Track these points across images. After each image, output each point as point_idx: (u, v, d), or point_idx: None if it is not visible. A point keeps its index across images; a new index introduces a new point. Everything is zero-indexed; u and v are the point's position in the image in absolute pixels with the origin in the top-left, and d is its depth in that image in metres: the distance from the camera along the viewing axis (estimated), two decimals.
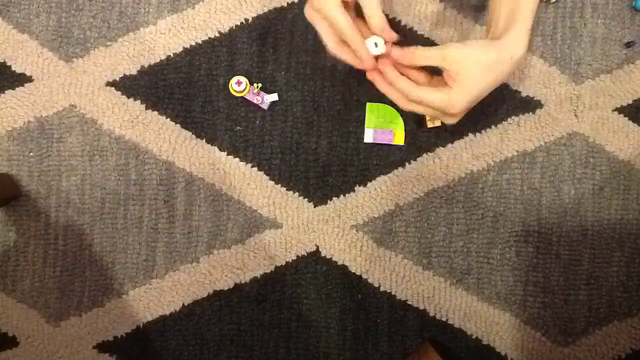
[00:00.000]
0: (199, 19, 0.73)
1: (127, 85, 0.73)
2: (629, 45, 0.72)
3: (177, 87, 0.73)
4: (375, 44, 0.58)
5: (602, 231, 0.72)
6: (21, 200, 0.73)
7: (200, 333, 0.73)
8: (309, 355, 0.73)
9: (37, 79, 0.73)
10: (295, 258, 0.73)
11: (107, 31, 0.73)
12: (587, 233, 0.72)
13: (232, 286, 0.73)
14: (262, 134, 0.73)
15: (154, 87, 0.73)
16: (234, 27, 0.73)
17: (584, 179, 0.72)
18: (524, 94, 0.72)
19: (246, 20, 0.73)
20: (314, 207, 0.73)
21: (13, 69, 0.73)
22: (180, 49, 0.73)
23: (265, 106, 0.72)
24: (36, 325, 0.73)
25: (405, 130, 0.72)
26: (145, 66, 0.73)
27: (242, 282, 0.73)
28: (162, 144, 0.73)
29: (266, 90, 0.73)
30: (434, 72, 0.61)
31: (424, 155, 0.72)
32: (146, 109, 0.73)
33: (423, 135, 0.72)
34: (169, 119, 0.73)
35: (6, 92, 0.73)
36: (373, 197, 0.73)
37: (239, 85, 0.72)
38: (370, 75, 0.62)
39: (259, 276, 0.73)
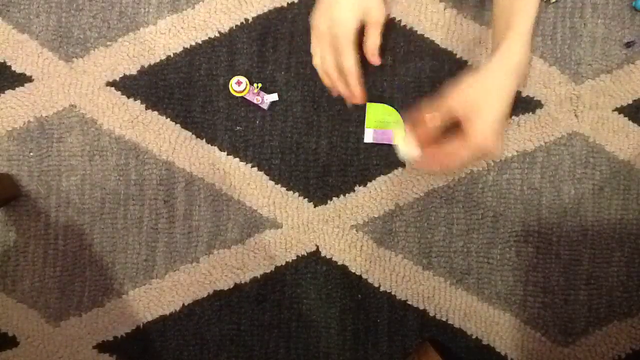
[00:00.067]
0: (199, 19, 0.73)
1: (127, 85, 0.73)
2: (629, 45, 0.72)
3: (177, 87, 0.73)
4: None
5: (602, 231, 0.72)
6: (21, 200, 0.73)
7: (200, 333, 0.73)
8: (309, 355, 0.73)
9: (37, 79, 0.73)
10: (295, 258, 0.73)
11: (107, 31, 0.73)
12: (587, 233, 0.72)
13: (232, 286, 0.73)
14: (262, 134, 0.73)
15: (154, 87, 0.73)
16: (234, 27, 0.73)
17: (584, 179, 0.72)
18: (524, 94, 0.72)
19: (246, 20, 0.73)
20: (314, 207, 0.73)
21: (13, 69, 0.73)
22: (180, 49, 0.73)
23: (265, 106, 0.72)
24: (36, 325, 0.73)
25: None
26: (145, 66, 0.73)
27: (242, 282, 0.73)
28: (162, 144, 0.73)
29: (266, 90, 0.73)
30: None
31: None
32: (146, 109, 0.73)
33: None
34: (169, 119, 0.73)
35: (6, 92, 0.73)
36: (373, 197, 0.73)
37: (239, 85, 0.72)
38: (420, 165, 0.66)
39: (259, 276, 0.73)
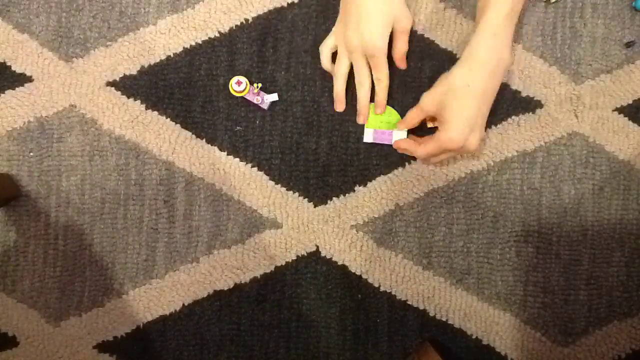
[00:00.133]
0: (199, 19, 0.73)
1: (127, 85, 0.73)
2: (629, 45, 0.72)
3: (177, 87, 0.73)
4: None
5: (602, 231, 0.72)
6: (21, 200, 0.73)
7: (200, 333, 0.73)
8: (309, 355, 0.73)
9: (37, 79, 0.73)
10: (295, 258, 0.73)
11: (107, 31, 0.73)
12: (587, 233, 0.72)
13: (232, 286, 0.73)
14: (262, 134, 0.73)
15: (154, 87, 0.73)
16: (234, 27, 0.73)
17: (584, 179, 0.72)
18: (524, 94, 0.72)
19: (246, 20, 0.73)
20: (314, 207, 0.73)
21: (13, 69, 0.73)
22: (180, 49, 0.73)
23: (265, 106, 0.72)
24: (36, 325, 0.73)
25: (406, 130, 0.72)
26: (145, 66, 0.73)
27: (242, 282, 0.73)
28: (162, 144, 0.73)
29: (266, 90, 0.73)
30: None
31: None
32: (146, 109, 0.73)
33: (423, 135, 0.72)
34: (169, 119, 0.73)
35: (6, 92, 0.73)
36: (373, 197, 0.73)
37: (239, 85, 0.72)
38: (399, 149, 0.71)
39: (259, 276, 0.73)
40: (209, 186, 0.73)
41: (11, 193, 0.72)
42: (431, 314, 0.73)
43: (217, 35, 0.73)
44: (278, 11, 0.73)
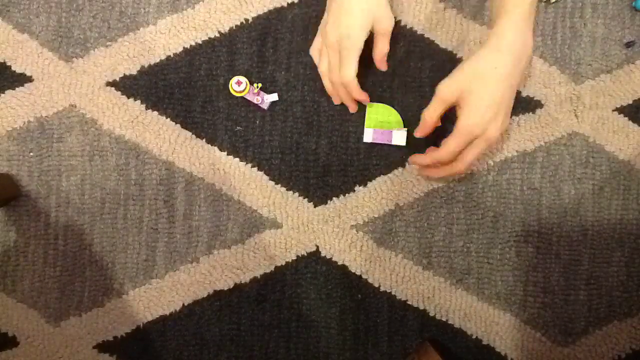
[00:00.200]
0: (199, 19, 0.73)
1: (127, 85, 0.73)
2: (629, 45, 0.72)
3: (177, 87, 0.73)
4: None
5: (602, 231, 0.72)
6: (21, 200, 0.73)
7: (200, 333, 0.73)
8: (309, 355, 0.73)
9: (37, 79, 0.73)
10: (295, 258, 0.73)
11: (107, 31, 0.73)
12: (587, 233, 0.72)
13: (232, 286, 0.73)
14: (262, 134, 0.73)
15: (154, 87, 0.73)
16: (234, 27, 0.73)
17: (584, 179, 0.72)
18: (524, 94, 0.72)
19: (246, 20, 0.73)
20: (314, 207, 0.73)
21: (13, 69, 0.73)
22: (180, 49, 0.73)
23: (265, 106, 0.72)
24: (36, 325, 0.73)
25: (406, 130, 0.72)
26: (145, 66, 0.73)
27: (242, 282, 0.73)
28: (162, 144, 0.73)
29: (266, 90, 0.73)
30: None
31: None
32: (146, 109, 0.73)
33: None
34: (169, 119, 0.73)
35: (6, 92, 0.73)
36: (373, 197, 0.73)
37: (239, 85, 0.72)
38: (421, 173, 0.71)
39: (259, 276, 0.73)
40: (209, 186, 0.73)
41: (11, 193, 0.72)
42: (431, 314, 0.73)
43: (217, 35, 0.73)
44: (278, 11, 0.73)
